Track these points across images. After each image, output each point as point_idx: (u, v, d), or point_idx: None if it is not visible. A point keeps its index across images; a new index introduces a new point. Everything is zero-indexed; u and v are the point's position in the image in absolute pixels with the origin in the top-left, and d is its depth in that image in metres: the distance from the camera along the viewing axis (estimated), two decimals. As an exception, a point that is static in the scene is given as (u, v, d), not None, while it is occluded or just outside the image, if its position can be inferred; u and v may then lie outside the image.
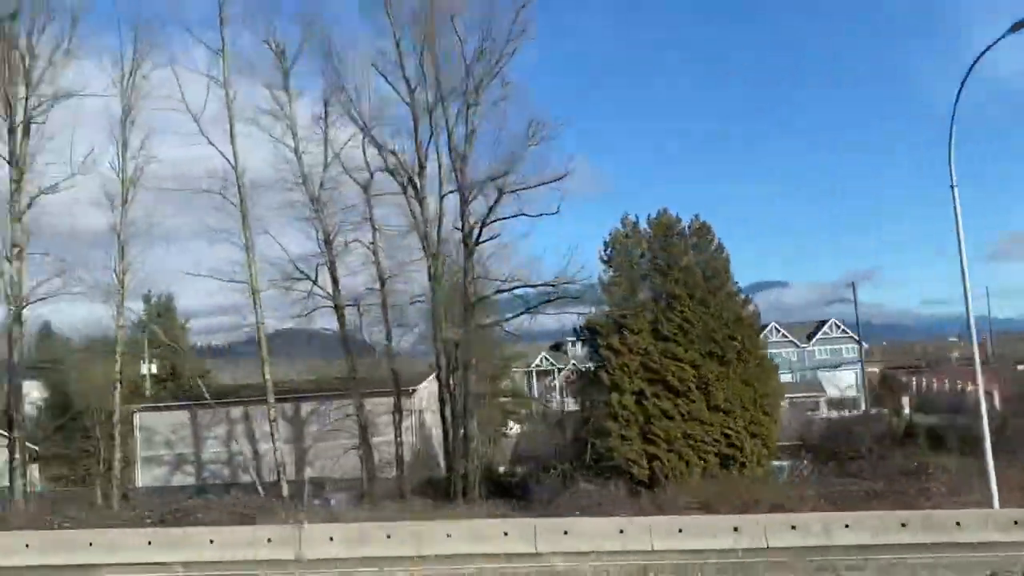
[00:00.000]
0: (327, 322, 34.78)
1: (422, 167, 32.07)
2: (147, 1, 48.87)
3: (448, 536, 19.06)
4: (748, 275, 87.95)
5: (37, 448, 39.69)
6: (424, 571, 17.44)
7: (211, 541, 19.73)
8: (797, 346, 78.40)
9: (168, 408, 43.30)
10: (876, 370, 73.53)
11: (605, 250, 32.33)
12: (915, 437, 32.50)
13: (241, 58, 32.95)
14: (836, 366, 70.37)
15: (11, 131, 30.95)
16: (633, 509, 22.86)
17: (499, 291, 32.07)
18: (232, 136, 31.68)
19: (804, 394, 59.49)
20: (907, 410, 48.63)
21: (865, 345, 74.85)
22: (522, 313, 32.32)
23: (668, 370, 29.42)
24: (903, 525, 18.30)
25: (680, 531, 18.55)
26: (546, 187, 30.78)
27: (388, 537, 19.37)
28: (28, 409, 52.35)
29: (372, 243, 33.01)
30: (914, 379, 70.98)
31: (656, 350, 29.79)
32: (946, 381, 70.51)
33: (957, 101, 21.16)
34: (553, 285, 30.65)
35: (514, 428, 51.95)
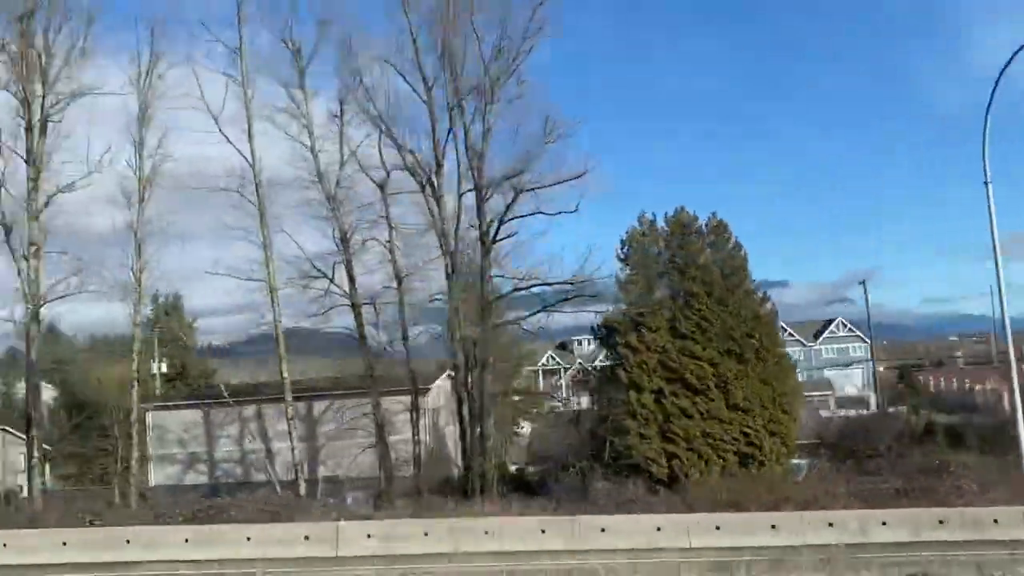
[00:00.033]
0: (343, 321, 34.79)
1: (439, 165, 32.05)
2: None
3: (486, 533, 19.05)
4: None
5: (48, 448, 39.65)
6: (461, 568, 17.42)
7: (248, 538, 19.74)
8: (804, 345, 78.50)
9: (179, 407, 43.30)
10: (881, 369, 73.62)
11: (622, 248, 32.31)
12: (933, 435, 32.51)
13: (257, 56, 32.97)
14: (847, 364, 70.34)
15: (28, 129, 30.92)
16: (659, 507, 22.82)
17: (516, 289, 32.05)
18: (250, 134, 31.67)
19: (812, 393, 59.48)
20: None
21: (871, 344, 74.86)
22: (539, 311, 32.33)
23: (687, 368, 29.39)
24: (940, 522, 18.32)
25: (717, 528, 18.56)
26: (564, 185, 30.72)
27: (425, 534, 19.37)
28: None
29: (388, 241, 33.02)
30: (920, 378, 71.12)
31: (674, 348, 29.75)
32: (954, 380, 70.70)
33: (992, 99, 21.05)
34: (571, 283, 30.62)
35: (525, 427, 51.94)
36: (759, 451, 28.76)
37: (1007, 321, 21.60)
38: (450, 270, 31.79)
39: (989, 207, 21.15)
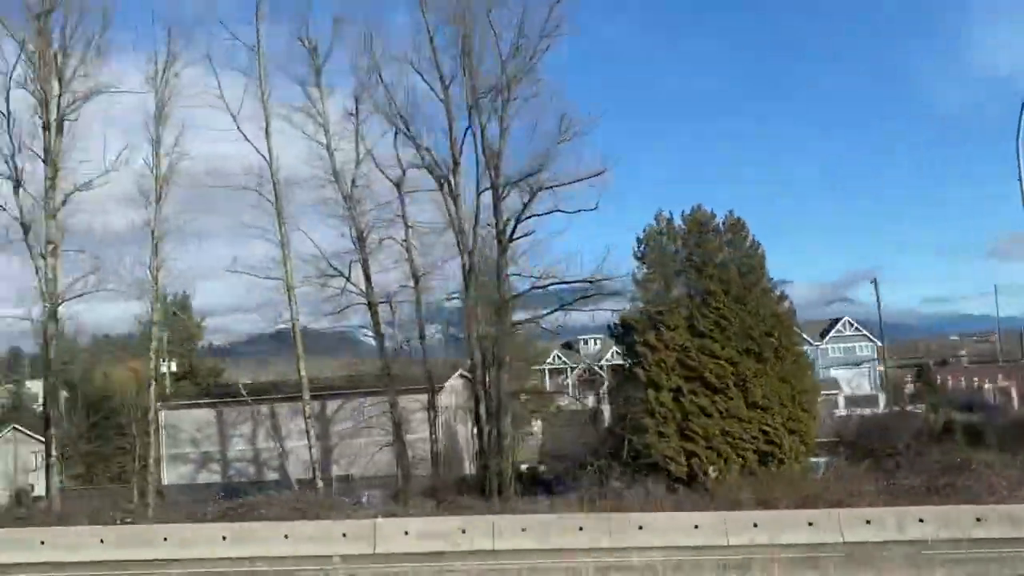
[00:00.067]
0: (357, 320, 34.77)
1: (456, 163, 32.01)
2: (180, -1, 48.47)
3: (523, 530, 19.03)
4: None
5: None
6: (500, 564, 17.41)
7: (285, 536, 19.76)
8: (810, 344, 78.38)
9: (191, 406, 43.32)
10: (882, 368, 73.63)
11: (638, 246, 32.30)
12: (952, 433, 32.52)
13: (273, 54, 32.94)
14: (858, 364, 70.37)
15: (45, 128, 30.86)
16: (685, 504, 22.79)
17: (534, 288, 31.98)
18: (268, 133, 31.65)
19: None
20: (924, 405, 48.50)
21: (879, 343, 74.95)
22: (556, 310, 32.28)
23: (706, 367, 29.36)
24: (978, 519, 18.30)
25: (755, 525, 18.55)
26: (583, 183, 30.68)
27: (463, 531, 19.36)
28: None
29: (405, 240, 33.02)
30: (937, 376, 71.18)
31: (693, 346, 29.72)
32: (961, 379, 70.88)
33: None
34: (591, 281, 30.57)
35: (535, 426, 51.97)
36: (779, 449, 28.75)
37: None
38: (467, 269, 31.76)
39: (1024, 203, 21.12)
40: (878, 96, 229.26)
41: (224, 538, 19.87)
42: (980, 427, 31.96)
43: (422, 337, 33.38)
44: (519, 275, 32.24)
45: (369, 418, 34.26)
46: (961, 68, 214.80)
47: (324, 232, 33.00)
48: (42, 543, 21.15)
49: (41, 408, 55.73)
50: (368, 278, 32.73)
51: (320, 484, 31.30)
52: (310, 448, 31.98)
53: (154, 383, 32.69)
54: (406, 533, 19.82)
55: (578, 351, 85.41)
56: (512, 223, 31.65)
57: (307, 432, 32.04)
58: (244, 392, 36.31)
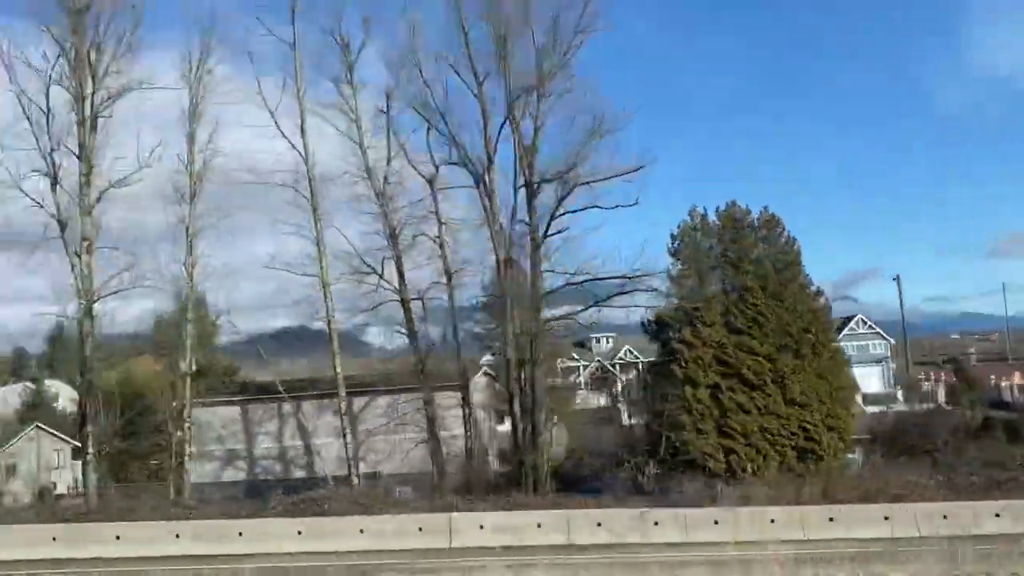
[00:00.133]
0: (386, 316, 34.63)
1: (490, 160, 32.00)
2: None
3: (599, 525, 19.01)
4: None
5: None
6: (572, 559, 17.33)
7: (361, 531, 19.72)
8: (824, 342, 78.23)
9: (218, 403, 43.11)
10: (894, 366, 73.45)
11: (672, 243, 32.26)
12: (991, 430, 32.51)
13: (306, 51, 32.86)
14: (877, 361, 70.26)
15: (79, 125, 30.80)
16: (730, 501, 22.71)
17: (569, 284, 31.94)
18: (303, 130, 31.59)
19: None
20: (942, 401, 48.41)
21: (892, 341, 74.83)
22: (592, 306, 32.21)
23: (744, 364, 29.37)
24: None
25: (831, 520, 18.52)
26: (619, 179, 30.67)
27: (539, 525, 19.35)
28: (69, 407, 52.50)
29: (438, 237, 32.97)
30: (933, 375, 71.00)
31: (730, 343, 29.73)
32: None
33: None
34: (628, 277, 30.51)
35: (555, 422, 51.74)
36: (818, 446, 28.77)
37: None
38: (501, 266, 31.71)
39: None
40: (878, 96, 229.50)
41: (300, 533, 19.85)
42: (1017, 424, 31.96)
43: (456, 334, 33.32)
44: (552, 271, 32.25)
45: (403, 415, 34.09)
46: (962, 68, 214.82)
47: (356, 229, 32.93)
48: (117, 537, 21.06)
49: (59, 407, 55.91)
50: (401, 275, 32.69)
51: (356, 480, 31.20)
52: (345, 445, 31.90)
53: (189, 380, 32.63)
54: (481, 527, 19.82)
55: (590, 349, 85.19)
56: (547, 220, 31.63)
57: (343, 429, 31.98)
58: (281, 389, 36.08)
